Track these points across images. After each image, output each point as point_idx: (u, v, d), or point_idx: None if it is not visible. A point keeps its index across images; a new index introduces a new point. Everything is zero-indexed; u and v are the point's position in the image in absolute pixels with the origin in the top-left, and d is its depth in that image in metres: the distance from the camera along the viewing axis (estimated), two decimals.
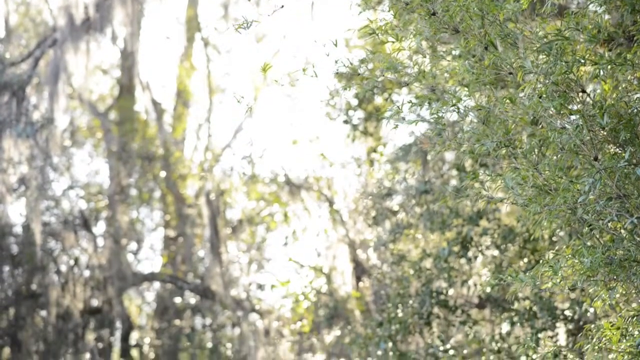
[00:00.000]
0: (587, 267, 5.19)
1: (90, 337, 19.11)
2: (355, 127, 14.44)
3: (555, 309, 10.01)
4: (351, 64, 6.13)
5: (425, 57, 5.94)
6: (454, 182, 11.79)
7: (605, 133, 5.25)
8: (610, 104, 5.22)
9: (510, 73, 5.39)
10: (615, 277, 5.34)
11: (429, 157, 12.43)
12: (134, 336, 19.92)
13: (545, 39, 5.29)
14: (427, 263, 11.31)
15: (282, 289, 18.97)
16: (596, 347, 5.55)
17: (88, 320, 18.82)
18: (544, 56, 5.23)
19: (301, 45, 22.76)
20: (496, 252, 10.84)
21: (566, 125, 5.19)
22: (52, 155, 17.79)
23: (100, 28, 16.49)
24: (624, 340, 5.42)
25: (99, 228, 19.30)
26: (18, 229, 18.36)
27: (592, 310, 9.19)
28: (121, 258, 18.56)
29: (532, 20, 5.72)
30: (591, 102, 5.25)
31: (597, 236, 5.45)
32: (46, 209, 18.38)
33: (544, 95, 5.20)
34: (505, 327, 10.63)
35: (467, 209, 10.89)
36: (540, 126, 5.42)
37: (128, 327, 19.26)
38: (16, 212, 18.35)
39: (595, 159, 5.20)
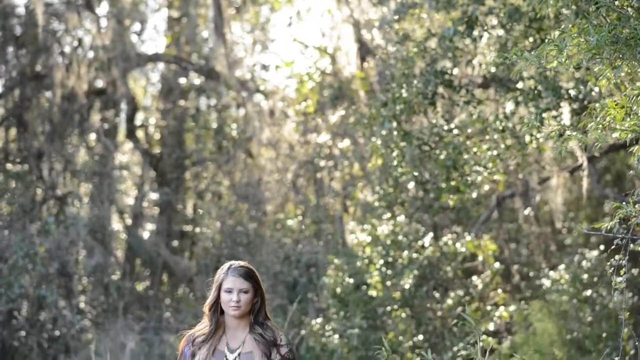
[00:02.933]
0: (592, 45, 5.12)
1: (96, 118, 19.25)
2: None
3: (560, 88, 9.98)
4: None
5: None
6: None
7: None
8: None
9: None
10: (620, 56, 5.28)
11: None
12: (139, 117, 20.04)
13: None
14: (432, 43, 11.18)
15: (286, 70, 18.93)
16: (600, 126, 5.55)
17: (93, 101, 18.89)
18: None
19: None
20: (501, 32, 10.68)
21: None
22: None
23: None
24: (628, 119, 5.41)
25: (102, 9, 19.04)
26: (21, 10, 18.15)
27: (596, 89, 9.16)
28: (125, 39, 18.40)
29: None
30: None
31: (604, 15, 5.34)
32: None
33: None
34: (509, 107, 10.62)
35: None
36: None
37: (133, 108, 19.34)
38: None
39: None
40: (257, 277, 4.99)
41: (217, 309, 4.98)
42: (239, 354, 4.92)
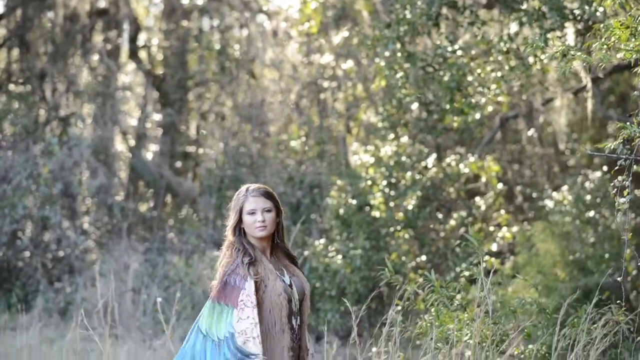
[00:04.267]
0: None
1: (98, 38, 19.12)
2: None
3: (564, 8, 9.87)
4: None
5: None
6: None
7: None
8: None
9: None
10: None
11: None
12: (142, 38, 19.89)
13: None
14: None
15: None
16: (604, 46, 5.50)
17: (95, 21, 18.74)
18: None
19: None
20: None
21: None
22: None
23: None
24: (633, 39, 5.36)
25: None
26: None
27: (601, 9, 9.05)
28: None
29: None
30: None
31: None
32: None
33: None
34: (513, 28, 10.52)
35: None
36: None
37: (135, 28, 19.18)
38: None
39: None
40: (276, 197, 4.96)
41: (241, 234, 4.88)
42: (290, 276, 4.92)
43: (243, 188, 4.95)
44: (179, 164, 19.76)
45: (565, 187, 13.25)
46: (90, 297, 14.78)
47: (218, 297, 4.70)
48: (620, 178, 5.66)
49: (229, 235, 4.91)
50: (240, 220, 4.87)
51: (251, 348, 4.55)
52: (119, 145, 19.32)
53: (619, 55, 5.51)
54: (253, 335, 4.57)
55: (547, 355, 5.77)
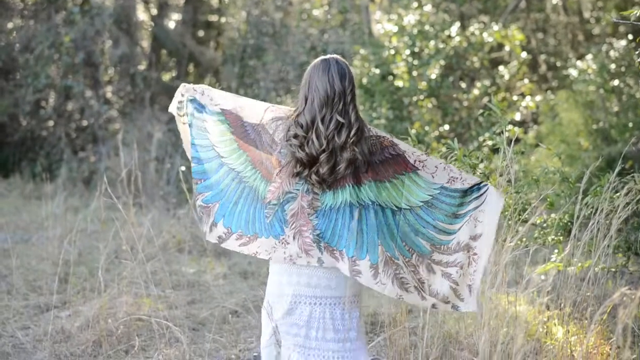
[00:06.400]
0: None
1: None
2: None
3: None
4: None
5: None
6: None
7: None
8: None
9: None
10: None
11: None
12: None
13: None
14: None
15: None
16: None
17: None
18: None
19: None
20: None
21: None
22: None
23: None
24: None
25: None
26: None
27: None
28: None
29: None
30: None
31: None
32: None
33: None
34: None
35: None
36: None
37: None
38: None
39: None
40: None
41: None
42: None
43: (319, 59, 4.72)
44: (201, 33, 19.63)
45: (589, 56, 13.09)
46: (114, 166, 14.91)
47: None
48: None
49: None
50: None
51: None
52: (141, 14, 19.16)
53: None
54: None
55: (569, 223, 5.80)
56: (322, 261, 4.55)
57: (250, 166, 4.68)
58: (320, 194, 4.56)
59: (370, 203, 4.55)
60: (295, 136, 4.53)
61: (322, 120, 4.52)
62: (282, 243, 4.57)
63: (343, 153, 4.51)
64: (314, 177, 4.51)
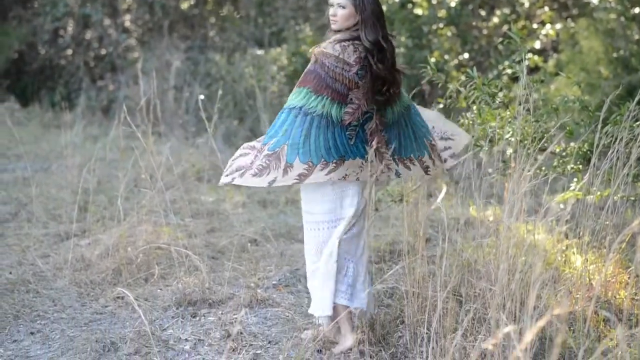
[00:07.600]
0: None
1: None
2: None
3: None
4: None
5: None
6: None
7: None
8: None
9: None
10: None
11: None
12: None
13: None
14: None
15: None
16: None
17: None
18: None
19: None
20: None
21: None
22: None
23: None
24: None
25: None
26: None
27: None
28: None
29: None
30: None
31: None
32: None
33: None
34: None
35: None
36: None
37: None
38: None
39: None
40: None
41: None
42: None
43: None
44: None
45: None
46: (133, 95, 14.91)
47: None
48: None
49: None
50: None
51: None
52: None
53: None
54: None
55: (588, 152, 5.78)
56: (399, 173, 4.85)
57: (314, 96, 4.69)
58: (383, 110, 4.78)
59: (404, 108, 4.97)
60: (372, 55, 4.71)
61: (384, 38, 4.78)
62: (367, 162, 4.72)
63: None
64: (388, 94, 4.76)
